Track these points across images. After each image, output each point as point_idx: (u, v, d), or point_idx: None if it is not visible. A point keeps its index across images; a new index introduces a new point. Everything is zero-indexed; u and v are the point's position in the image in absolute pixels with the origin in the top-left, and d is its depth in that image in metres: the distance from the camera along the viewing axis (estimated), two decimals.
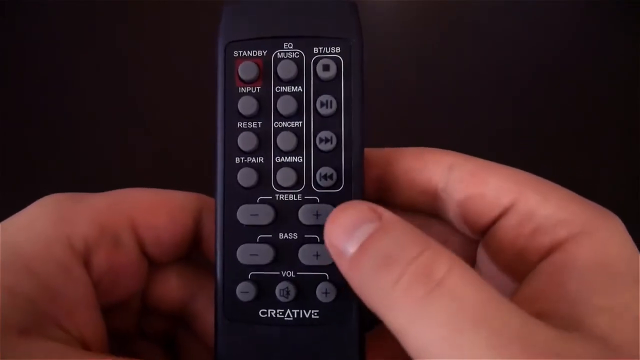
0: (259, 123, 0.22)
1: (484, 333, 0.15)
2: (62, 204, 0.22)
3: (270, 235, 0.22)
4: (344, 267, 0.18)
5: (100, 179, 0.44)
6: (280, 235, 0.22)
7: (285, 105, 0.22)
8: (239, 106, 0.22)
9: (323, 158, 0.21)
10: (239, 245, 0.22)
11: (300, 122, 0.22)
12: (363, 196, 0.21)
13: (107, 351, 0.22)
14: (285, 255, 0.21)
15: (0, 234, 0.20)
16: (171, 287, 0.25)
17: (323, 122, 0.22)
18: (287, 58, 0.22)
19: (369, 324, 0.22)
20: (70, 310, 0.20)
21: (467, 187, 0.21)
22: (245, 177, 0.21)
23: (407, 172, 0.22)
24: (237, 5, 0.22)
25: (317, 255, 0.21)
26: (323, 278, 0.21)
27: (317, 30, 0.22)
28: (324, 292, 0.21)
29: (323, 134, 0.21)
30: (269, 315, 0.21)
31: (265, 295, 0.21)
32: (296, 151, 0.22)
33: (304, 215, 0.21)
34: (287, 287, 0.21)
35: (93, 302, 0.21)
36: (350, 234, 0.18)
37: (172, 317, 0.26)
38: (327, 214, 0.21)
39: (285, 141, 0.21)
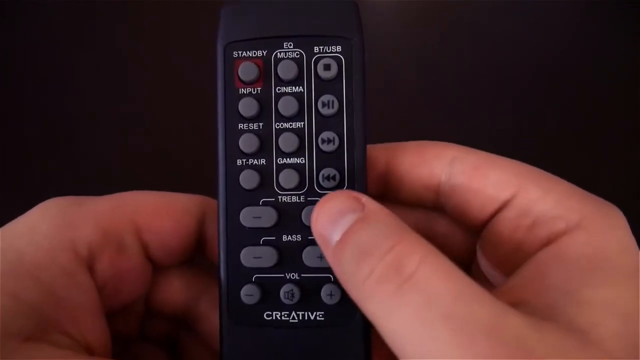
0: (260, 124, 0.22)
1: (452, 327, 0.15)
2: (65, 208, 0.22)
3: (274, 238, 0.21)
4: (328, 256, 0.18)
5: (100, 179, 0.44)
6: (284, 238, 0.21)
7: (287, 105, 0.21)
8: (240, 107, 0.21)
9: (325, 159, 0.21)
10: (242, 248, 0.21)
11: (302, 123, 0.21)
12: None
13: (110, 356, 0.21)
14: (289, 257, 0.21)
15: (3, 239, 0.20)
16: (174, 290, 0.25)
17: (325, 123, 0.21)
18: (288, 58, 0.21)
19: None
20: (74, 316, 0.20)
21: (468, 180, 0.21)
22: (248, 179, 0.21)
23: (409, 168, 0.22)
24: (236, 6, 0.22)
25: (322, 257, 0.21)
26: (327, 280, 0.21)
27: (317, 29, 0.21)
28: (328, 294, 0.21)
29: (325, 134, 0.21)
30: (274, 318, 0.21)
31: (270, 297, 0.21)
32: (298, 152, 0.21)
33: (307, 216, 0.21)
34: (292, 290, 0.21)
35: (97, 308, 0.21)
36: (334, 223, 0.18)
37: (175, 320, 0.26)
38: None
39: (287, 142, 0.21)
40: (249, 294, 0.21)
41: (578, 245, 0.18)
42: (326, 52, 0.21)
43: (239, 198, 0.21)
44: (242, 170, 0.21)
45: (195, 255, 0.25)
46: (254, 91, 0.22)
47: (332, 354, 0.21)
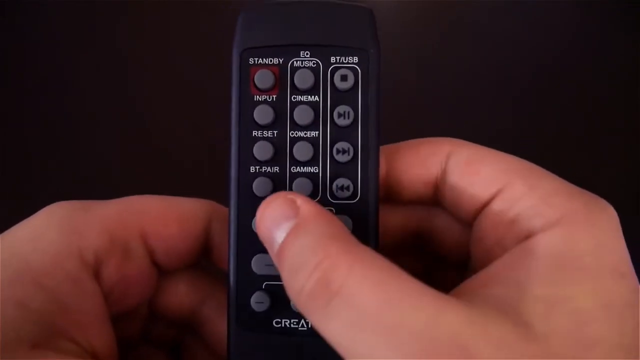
0: (275, 132, 0.21)
1: (382, 334, 0.16)
2: (70, 213, 0.21)
3: None
4: (274, 260, 0.19)
5: (100, 179, 0.44)
6: None
7: (302, 114, 0.21)
8: (255, 115, 0.21)
9: (339, 169, 0.21)
10: (253, 256, 0.21)
11: (317, 132, 0.21)
12: (377, 205, 0.21)
13: None
14: None
15: (8, 245, 0.20)
16: (179, 294, 0.25)
17: (340, 133, 0.21)
18: (304, 67, 0.21)
19: None
20: (81, 323, 0.20)
21: (460, 175, 0.21)
22: (261, 187, 0.21)
23: (406, 168, 0.22)
24: (253, 12, 0.22)
25: None
26: None
27: (334, 39, 0.21)
28: None
29: (340, 145, 0.21)
30: (283, 325, 0.21)
31: (279, 305, 0.21)
32: (312, 161, 0.21)
33: None
34: None
35: (103, 314, 0.21)
36: (273, 232, 0.18)
37: (180, 324, 0.26)
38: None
39: (302, 151, 0.21)
40: (259, 301, 0.21)
41: (551, 242, 0.18)
42: (343, 63, 0.21)
43: (251, 205, 0.21)
44: (255, 177, 0.21)
45: (201, 260, 0.25)
46: (270, 99, 0.21)
47: None
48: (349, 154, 0.21)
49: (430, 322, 0.16)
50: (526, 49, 0.48)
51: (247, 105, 0.21)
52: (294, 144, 0.21)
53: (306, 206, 0.18)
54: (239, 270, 0.21)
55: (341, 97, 0.21)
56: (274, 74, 0.21)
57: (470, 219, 0.22)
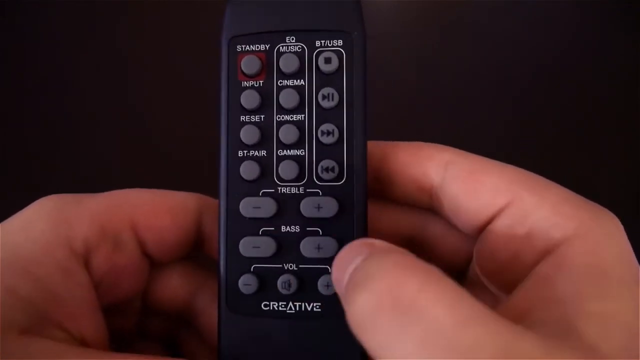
0: (262, 116, 0.22)
1: (458, 357, 0.14)
2: (61, 205, 0.22)
3: (273, 228, 0.22)
4: (341, 299, 0.18)
5: (100, 179, 0.44)
6: (283, 228, 0.22)
7: (288, 98, 0.22)
8: (242, 100, 0.22)
9: (325, 151, 0.22)
10: (241, 238, 0.22)
11: (303, 116, 0.22)
12: (365, 188, 0.21)
13: (107, 350, 0.22)
14: (287, 248, 0.22)
15: (1, 235, 0.20)
16: (172, 286, 0.25)
17: (325, 115, 0.22)
18: (290, 52, 0.22)
19: None
20: (70, 311, 0.20)
21: (462, 186, 0.21)
22: (248, 170, 0.22)
23: (402, 168, 0.22)
24: (241, 1, 0.22)
25: (319, 248, 0.21)
26: (325, 271, 0.21)
27: (319, 23, 0.22)
28: (325, 284, 0.21)
29: (325, 126, 0.21)
30: (271, 308, 0.21)
31: (267, 287, 0.21)
32: (298, 144, 0.22)
33: (306, 208, 0.21)
34: (289, 280, 0.21)
35: (93, 303, 0.21)
36: (345, 269, 0.17)
37: (173, 316, 0.26)
38: (328, 206, 0.21)
39: (288, 134, 0.22)
40: (247, 283, 0.21)
41: (577, 255, 0.18)
42: (327, 46, 0.22)
43: (239, 188, 0.22)
44: (243, 161, 0.22)
45: (193, 252, 0.25)
46: (256, 84, 0.22)
47: (328, 345, 0.21)
48: (333, 136, 0.21)
49: (508, 348, 0.15)
50: (526, 49, 0.48)
51: (235, 91, 0.22)
52: (280, 128, 0.22)
53: (383, 243, 0.18)
54: (228, 253, 0.22)
55: (326, 79, 0.22)
56: (260, 59, 0.22)
57: (474, 230, 0.22)
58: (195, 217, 0.24)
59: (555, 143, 0.46)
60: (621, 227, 0.19)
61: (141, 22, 0.50)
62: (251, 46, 0.22)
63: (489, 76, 0.48)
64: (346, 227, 0.21)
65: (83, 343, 0.20)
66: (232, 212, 0.22)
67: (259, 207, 0.21)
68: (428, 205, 0.23)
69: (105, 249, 0.22)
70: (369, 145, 0.22)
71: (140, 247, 0.23)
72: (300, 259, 0.21)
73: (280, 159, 0.22)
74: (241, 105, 0.22)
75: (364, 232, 0.21)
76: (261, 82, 0.22)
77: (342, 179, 0.21)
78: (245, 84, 0.22)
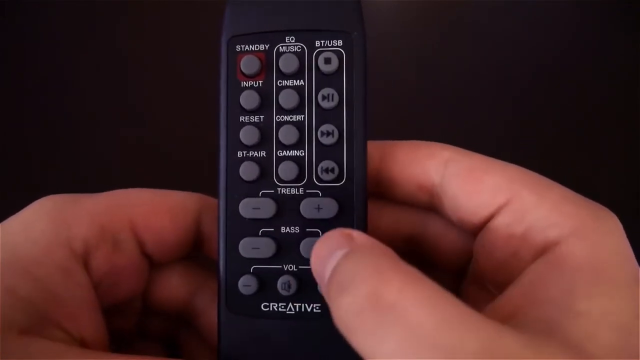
0: (261, 117, 0.22)
1: (439, 357, 0.15)
2: (60, 205, 0.22)
3: (272, 229, 0.22)
4: (323, 292, 0.18)
5: (100, 179, 0.44)
6: (282, 229, 0.22)
7: (287, 99, 0.22)
8: (242, 100, 0.22)
9: (325, 152, 0.21)
10: (241, 239, 0.22)
11: (302, 116, 0.22)
12: (365, 189, 0.21)
13: (107, 351, 0.22)
14: (287, 248, 0.21)
15: (0, 235, 0.20)
16: (172, 286, 0.25)
17: (325, 116, 0.22)
18: (289, 52, 0.22)
19: None
20: (70, 311, 0.20)
21: (462, 184, 0.21)
22: (248, 171, 0.21)
23: (402, 166, 0.22)
24: (240, 1, 0.22)
25: None
26: None
27: (319, 23, 0.22)
28: None
29: (325, 127, 0.21)
30: (270, 309, 0.21)
31: (267, 288, 0.21)
32: (298, 145, 0.22)
33: (306, 209, 0.21)
34: (289, 281, 0.21)
35: (93, 304, 0.21)
36: (325, 262, 0.18)
37: (173, 317, 0.26)
38: (328, 207, 0.21)
39: (287, 135, 0.21)
40: (246, 284, 0.21)
41: (574, 254, 0.18)
42: (327, 46, 0.22)
43: (239, 189, 0.22)
44: (243, 162, 0.22)
45: (193, 252, 0.25)
46: (256, 84, 0.22)
47: (328, 346, 0.21)
48: (333, 136, 0.21)
49: (488, 345, 0.15)
50: (526, 49, 0.48)
51: (234, 91, 0.22)
52: (280, 128, 0.22)
53: (362, 237, 0.18)
54: (228, 254, 0.22)
55: (326, 80, 0.22)
56: (259, 59, 0.22)
57: (473, 228, 0.22)
58: (194, 217, 0.24)
59: (555, 143, 0.46)
60: (620, 226, 0.19)
61: (141, 22, 0.50)
62: (251, 46, 0.22)
63: (489, 76, 0.48)
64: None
65: (83, 343, 0.20)
66: (232, 212, 0.22)
67: (259, 208, 0.21)
68: (428, 204, 0.23)
69: (104, 249, 0.22)
70: (369, 146, 0.22)
71: (139, 247, 0.23)
72: (300, 260, 0.21)
73: (280, 159, 0.22)
74: (240, 105, 0.22)
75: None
76: (261, 82, 0.22)
77: (342, 180, 0.21)
78: (244, 84, 0.22)
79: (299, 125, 0.22)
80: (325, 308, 0.21)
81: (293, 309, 0.21)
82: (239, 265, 0.22)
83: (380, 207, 0.24)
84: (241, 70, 0.22)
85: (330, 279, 0.17)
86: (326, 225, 0.21)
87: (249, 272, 0.22)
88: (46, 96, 0.47)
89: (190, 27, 0.49)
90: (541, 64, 0.48)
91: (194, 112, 0.45)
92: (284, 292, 0.21)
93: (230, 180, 0.22)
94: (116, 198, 0.23)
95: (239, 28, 0.22)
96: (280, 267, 0.22)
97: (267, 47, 0.22)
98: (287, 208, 0.21)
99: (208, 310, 0.24)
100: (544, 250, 0.19)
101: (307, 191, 0.21)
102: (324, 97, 0.21)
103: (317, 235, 0.21)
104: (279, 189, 0.22)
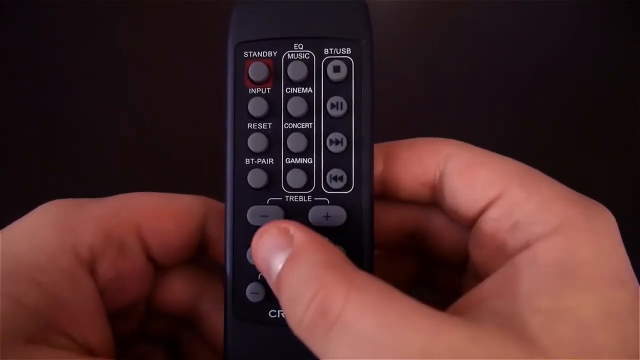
0: (269, 124, 0.22)
1: (384, 357, 0.16)
2: (65, 211, 0.22)
3: None
4: (273, 290, 0.19)
5: (100, 179, 0.44)
6: None
7: (296, 106, 0.21)
8: (249, 107, 0.22)
9: (333, 160, 0.21)
10: (248, 247, 0.21)
11: (311, 124, 0.22)
12: (372, 196, 0.21)
13: (113, 358, 0.21)
14: None
15: (4, 242, 0.20)
16: (177, 289, 0.25)
17: (333, 124, 0.21)
18: (298, 59, 0.22)
19: None
20: (76, 319, 0.20)
21: (459, 178, 0.21)
22: (255, 179, 0.21)
23: (404, 167, 0.22)
24: (247, 6, 0.22)
25: None
26: None
27: (327, 31, 0.22)
28: None
29: (333, 135, 0.21)
30: (277, 316, 0.21)
31: (274, 295, 0.21)
32: (306, 153, 0.22)
33: (314, 216, 0.21)
34: None
35: (99, 310, 0.21)
36: (268, 262, 0.19)
37: (178, 320, 0.26)
38: (336, 215, 0.21)
39: (296, 142, 0.21)
40: (254, 292, 0.21)
41: (552, 251, 0.18)
42: (336, 54, 0.22)
43: (247, 197, 0.22)
44: (250, 169, 0.22)
45: (197, 255, 0.25)
46: (264, 91, 0.22)
47: None
48: (342, 145, 0.21)
49: (430, 341, 0.16)
50: (526, 49, 0.48)
51: (242, 98, 0.22)
52: (288, 136, 0.21)
53: (299, 234, 0.18)
54: (235, 261, 0.22)
55: (334, 88, 0.22)
56: (267, 66, 0.22)
57: (468, 222, 0.22)
58: (199, 220, 0.24)
59: (555, 143, 0.46)
60: (613, 224, 0.19)
61: (141, 22, 0.50)
62: (258, 52, 0.22)
63: (489, 76, 0.48)
64: (354, 236, 0.21)
65: (89, 350, 0.20)
66: (239, 220, 0.22)
67: (266, 216, 0.21)
68: (431, 200, 0.23)
69: (110, 254, 0.22)
70: None
71: (145, 251, 0.23)
72: None
73: (288, 167, 0.22)
74: (248, 112, 0.22)
75: (371, 241, 0.21)
76: (269, 89, 0.22)
77: (350, 188, 0.21)
78: (252, 90, 0.22)
79: (307, 133, 0.21)
80: None
81: None
82: (247, 272, 0.22)
83: (385, 205, 0.24)
84: (249, 77, 0.22)
85: (278, 287, 0.18)
86: (334, 233, 0.21)
87: (256, 280, 0.22)
88: (46, 96, 0.47)
89: (190, 27, 0.49)
90: (541, 64, 0.48)
91: (194, 112, 0.45)
92: None
93: (237, 187, 0.22)
94: (121, 202, 0.23)
95: (247, 34, 0.22)
96: None
97: (275, 53, 0.22)
98: (295, 216, 0.21)
99: (212, 314, 0.24)
100: (526, 246, 0.19)
101: (316, 199, 0.21)
102: (332, 105, 0.21)
103: None
104: (287, 196, 0.22)
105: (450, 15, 0.50)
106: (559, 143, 0.46)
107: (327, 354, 0.17)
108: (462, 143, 0.22)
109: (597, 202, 0.20)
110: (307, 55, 0.22)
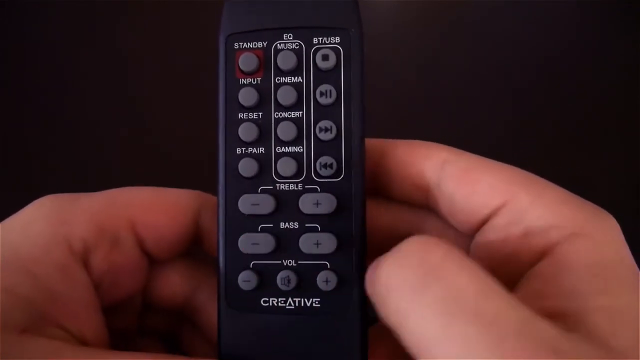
0: (260, 114, 0.22)
1: (479, 324, 0.15)
2: (59, 204, 0.22)
3: (271, 225, 0.22)
4: (369, 293, 0.18)
5: (100, 179, 0.44)
6: (281, 225, 0.22)
7: (285, 95, 0.22)
8: (240, 97, 0.22)
9: (323, 147, 0.22)
10: (240, 235, 0.22)
11: (300, 112, 0.22)
12: (364, 184, 0.22)
13: (107, 349, 0.22)
14: (286, 244, 0.22)
15: None
16: (172, 283, 0.25)
17: (323, 112, 0.22)
18: (287, 49, 0.22)
19: (372, 319, 0.22)
20: (70, 310, 0.20)
21: (458, 185, 0.21)
22: (246, 168, 0.22)
23: (399, 166, 0.22)
24: (238, 0, 0.22)
25: (318, 244, 0.21)
26: (324, 267, 0.21)
27: (316, 20, 0.22)
28: (324, 280, 0.21)
29: (323, 123, 0.21)
30: (270, 304, 0.22)
31: (266, 284, 0.22)
32: (296, 141, 0.22)
33: (305, 204, 0.21)
34: (288, 276, 0.21)
35: (93, 302, 0.21)
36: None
37: (174, 313, 0.26)
38: (327, 202, 0.21)
39: (286, 131, 0.22)
40: (246, 279, 0.21)
41: (578, 253, 0.18)
42: (325, 43, 0.22)
43: (238, 186, 0.22)
44: (241, 158, 0.22)
45: (192, 248, 0.25)
46: (254, 81, 0.22)
47: (327, 341, 0.21)
48: (331, 132, 0.21)
49: (528, 323, 0.15)
50: (526, 49, 0.48)
51: (233, 89, 0.22)
52: (278, 125, 0.22)
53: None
54: (227, 250, 0.22)
55: (323, 76, 0.22)
56: (257, 57, 0.22)
57: (470, 229, 0.22)
58: (193, 213, 0.24)
59: (555, 143, 0.46)
60: (618, 228, 0.19)
61: (141, 22, 0.50)
62: (248, 44, 0.22)
63: (489, 76, 0.48)
64: (345, 223, 0.21)
65: (83, 342, 0.20)
66: (231, 209, 0.22)
67: (258, 204, 0.22)
68: (425, 203, 0.23)
69: (104, 247, 0.22)
70: (368, 143, 0.22)
71: (139, 245, 0.23)
72: (299, 255, 0.21)
73: (279, 155, 0.22)
74: (239, 102, 0.22)
75: (363, 228, 0.21)
76: (259, 79, 0.22)
77: (341, 175, 0.21)
78: (242, 81, 0.22)
79: (297, 122, 0.22)
80: (324, 303, 0.21)
81: (292, 304, 0.21)
82: (239, 261, 0.22)
83: (378, 205, 0.24)
84: (239, 68, 0.22)
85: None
86: (325, 220, 0.21)
87: (248, 268, 0.22)
88: (46, 96, 0.47)
89: (190, 27, 0.49)
90: (541, 64, 0.48)
91: (194, 112, 0.45)
92: (283, 287, 0.21)
93: (229, 176, 0.22)
94: (114, 196, 0.23)
95: (237, 26, 0.22)
96: (280, 262, 0.22)
97: (265, 44, 0.22)
98: (286, 204, 0.22)
99: (208, 306, 0.24)
100: (544, 251, 0.19)
101: (306, 187, 0.22)
102: (322, 94, 0.22)
103: (315, 230, 0.21)
104: (277, 184, 0.22)
105: (450, 15, 0.50)
106: (559, 143, 0.46)
107: (414, 309, 0.16)
108: (458, 150, 0.22)
109: (598, 207, 0.20)
110: (296, 45, 0.22)
